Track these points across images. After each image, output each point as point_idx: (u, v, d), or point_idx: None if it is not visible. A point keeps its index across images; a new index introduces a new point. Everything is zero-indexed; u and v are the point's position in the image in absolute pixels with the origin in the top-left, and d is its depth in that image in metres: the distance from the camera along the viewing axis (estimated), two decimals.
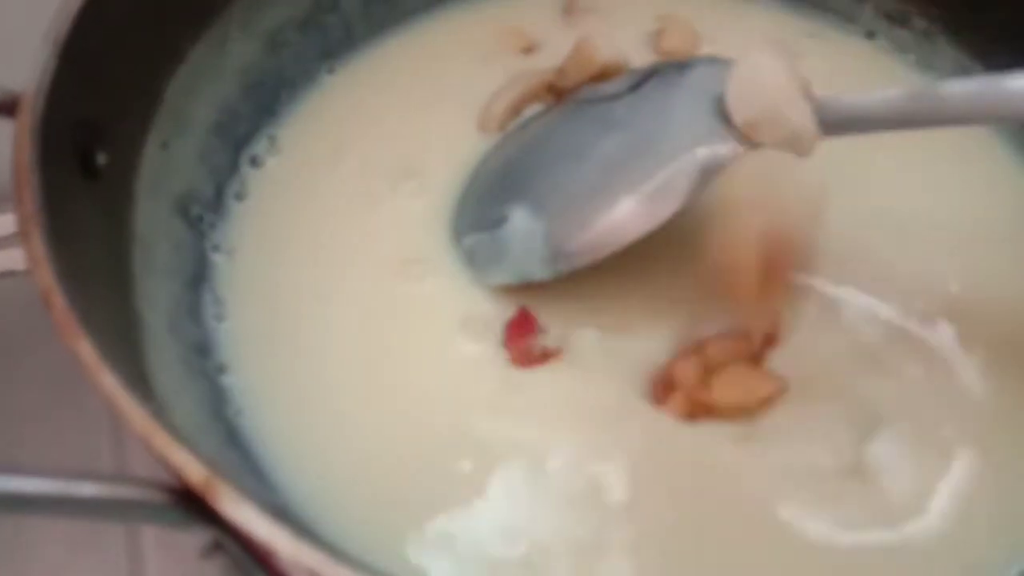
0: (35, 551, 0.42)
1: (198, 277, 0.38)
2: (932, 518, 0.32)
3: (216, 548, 0.21)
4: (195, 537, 0.40)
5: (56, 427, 0.46)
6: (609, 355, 0.35)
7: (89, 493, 0.19)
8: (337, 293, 0.38)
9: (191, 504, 0.19)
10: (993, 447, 0.34)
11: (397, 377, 0.35)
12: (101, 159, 0.31)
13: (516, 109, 0.43)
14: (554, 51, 0.44)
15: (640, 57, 0.44)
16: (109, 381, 0.21)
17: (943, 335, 0.36)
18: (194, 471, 0.19)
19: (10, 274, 0.52)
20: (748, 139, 0.33)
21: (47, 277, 0.23)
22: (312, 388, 0.35)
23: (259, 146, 0.42)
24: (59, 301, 0.22)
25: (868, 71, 0.46)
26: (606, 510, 0.32)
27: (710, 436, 0.33)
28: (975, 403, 0.35)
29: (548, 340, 0.36)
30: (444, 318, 0.37)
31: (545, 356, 0.35)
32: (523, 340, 0.36)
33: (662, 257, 0.36)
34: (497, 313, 0.37)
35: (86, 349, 0.21)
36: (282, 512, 0.28)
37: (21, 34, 0.33)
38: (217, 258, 0.39)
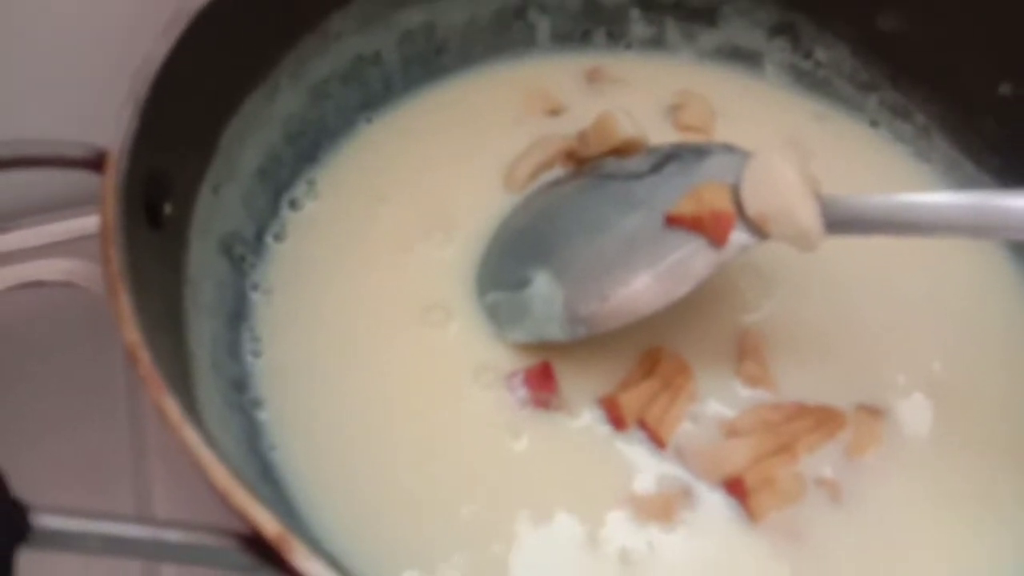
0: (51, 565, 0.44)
1: (238, 315, 0.40)
2: None
3: None
4: None
5: (76, 435, 0.48)
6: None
7: (174, 539, 0.22)
8: (362, 334, 0.40)
9: (260, 551, 0.22)
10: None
11: (413, 418, 0.38)
12: (167, 209, 0.34)
13: (539, 171, 0.46)
14: (579, 115, 0.47)
15: (658, 129, 0.47)
16: (192, 438, 0.24)
17: (924, 408, 0.39)
18: (270, 527, 0.22)
19: (37, 284, 0.54)
20: (758, 230, 0.36)
21: (133, 333, 0.25)
22: (337, 425, 0.38)
23: (299, 190, 0.45)
24: (145, 357, 0.25)
25: (869, 158, 0.49)
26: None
27: None
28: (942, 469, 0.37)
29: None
30: (460, 364, 0.39)
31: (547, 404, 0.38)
32: (538, 392, 0.38)
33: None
34: (510, 363, 0.39)
35: (171, 407, 0.24)
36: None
37: (95, 92, 0.36)
38: (256, 296, 0.41)
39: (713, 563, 0.35)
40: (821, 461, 0.37)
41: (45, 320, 0.52)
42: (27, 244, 0.56)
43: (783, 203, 0.35)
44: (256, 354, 0.40)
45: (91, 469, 0.47)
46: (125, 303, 0.26)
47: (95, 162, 0.30)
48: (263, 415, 0.38)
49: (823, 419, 0.38)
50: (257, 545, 0.22)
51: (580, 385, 0.39)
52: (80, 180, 0.32)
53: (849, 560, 0.35)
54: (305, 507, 0.35)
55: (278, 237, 0.43)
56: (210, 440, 0.24)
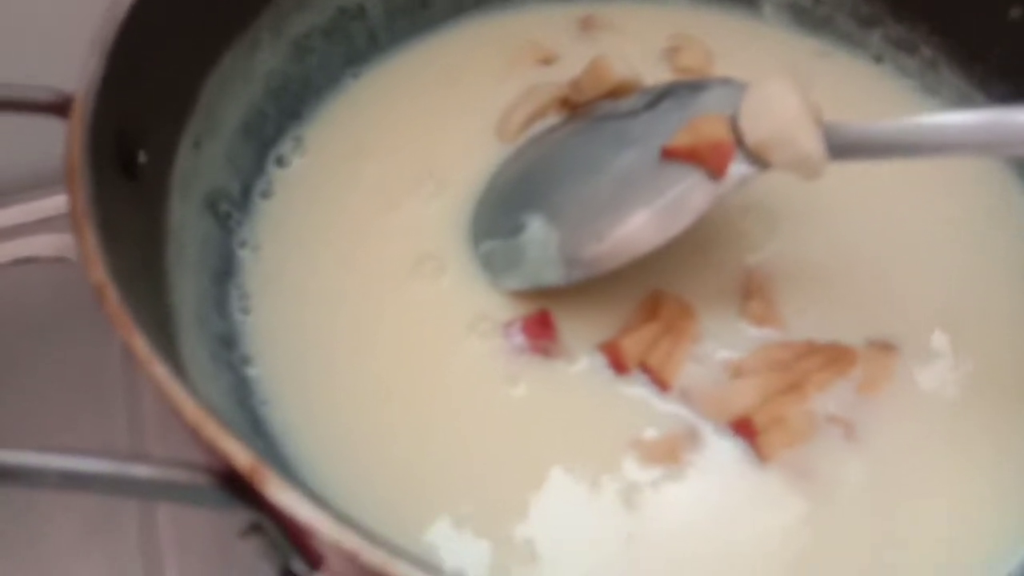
0: (49, 532, 0.43)
1: (225, 272, 0.39)
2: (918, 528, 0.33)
3: (253, 530, 0.22)
4: (209, 521, 0.41)
5: (73, 410, 0.47)
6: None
7: (142, 474, 0.21)
8: (354, 289, 0.39)
9: (235, 487, 0.21)
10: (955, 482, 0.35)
11: (407, 371, 0.37)
12: (142, 158, 0.32)
13: (532, 120, 0.44)
14: (571, 64, 0.45)
15: (655, 73, 0.45)
16: (161, 372, 0.22)
17: (937, 342, 0.38)
18: (241, 458, 0.21)
19: (31, 260, 0.53)
20: (759, 160, 0.34)
21: (100, 272, 0.24)
22: (330, 379, 0.37)
23: (285, 147, 0.44)
24: (112, 295, 0.24)
25: (874, 94, 0.47)
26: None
27: None
28: (958, 409, 0.36)
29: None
30: (455, 314, 0.38)
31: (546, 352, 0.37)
32: (537, 340, 0.37)
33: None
34: (506, 313, 0.38)
35: (139, 342, 0.23)
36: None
37: (66, 37, 0.35)
38: (243, 254, 0.40)
39: (722, 504, 0.33)
40: (833, 399, 0.36)
41: (40, 297, 0.52)
42: (20, 220, 0.55)
43: (784, 129, 0.33)
44: (245, 311, 0.38)
45: (85, 443, 0.46)
46: (91, 240, 0.25)
47: (60, 106, 0.29)
48: (253, 371, 0.37)
49: (833, 356, 0.36)
50: (231, 481, 0.21)
51: (579, 331, 0.37)
52: None
53: (861, 498, 0.34)
54: (299, 462, 0.34)
55: (265, 194, 0.42)
56: (180, 375, 0.23)
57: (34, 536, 0.43)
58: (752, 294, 0.38)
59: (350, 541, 0.19)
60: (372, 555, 0.19)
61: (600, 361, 0.36)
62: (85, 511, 0.43)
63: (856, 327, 0.37)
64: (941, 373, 0.37)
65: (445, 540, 0.32)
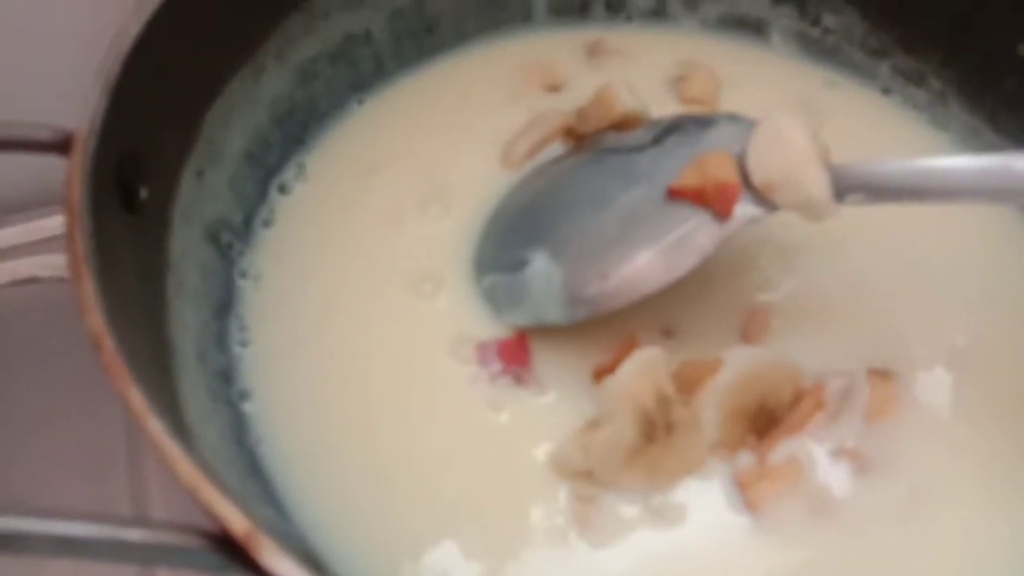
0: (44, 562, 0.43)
1: (225, 303, 0.39)
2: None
3: None
4: None
5: (71, 433, 0.47)
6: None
7: (137, 539, 0.20)
8: (351, 312, 0.39)
9: (231, 551, 0.21)
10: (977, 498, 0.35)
11: (398, 397, 0.37)
12: (143, 193, 0.32)
13: (538, 149, 0.44)
14: (578, 90, 0.45)
15: (662, 102, 0.45)
16: (156, 428, 0.22)
17: (940, 373, 0.37)
18: (237, 523, 0.20)
19: (32, 281, 0.53)
20: (765, 200, 0.34)
21: (97, 321, 0.24)
22: (321, 412, 0.36)
23: (288, 174, 0.44)
24: (109, 345, 0.23)
25: (882, 126, 0.47)
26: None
27: None
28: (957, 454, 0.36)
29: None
30: (449, 336, 0.38)
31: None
32: (510, 366, 0.37)
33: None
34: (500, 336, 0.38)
35: (135, 397, 0.22)
36: (302, 547, 0.30)
37: (69, 71, 0.35)
38: (244, 284, 0.40)
39: (723, 547, 0.33)
40: (841, 431, 0.35)
41: (40, 316, 0.52)
42: (21, 240, 0.55)
43: (790, 169, 0.33)
44: (244, 343, 0.38)
45: (86, 467, 0.46)
46: (88, 288, 0.24)
47: (62, 145, 0.28)
48: (249, 407, 0.36)
49: (798, 396, 0.36)
50: (227, 544, 0.21)
51: (556, 363, 0.37)
52: None
53: (879, 527, 0.34)
54: (292, 502, 0.34)
55: (266, 223, 0.42)
56: (179, 431, 0.22)
57: None
58: (753, 331, 0.38)
59: None
60: None
61: (569, 396, 0.36)
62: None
63: (856, 357, 0.37)
64: (946, 401, 0.37)
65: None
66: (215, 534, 0.21)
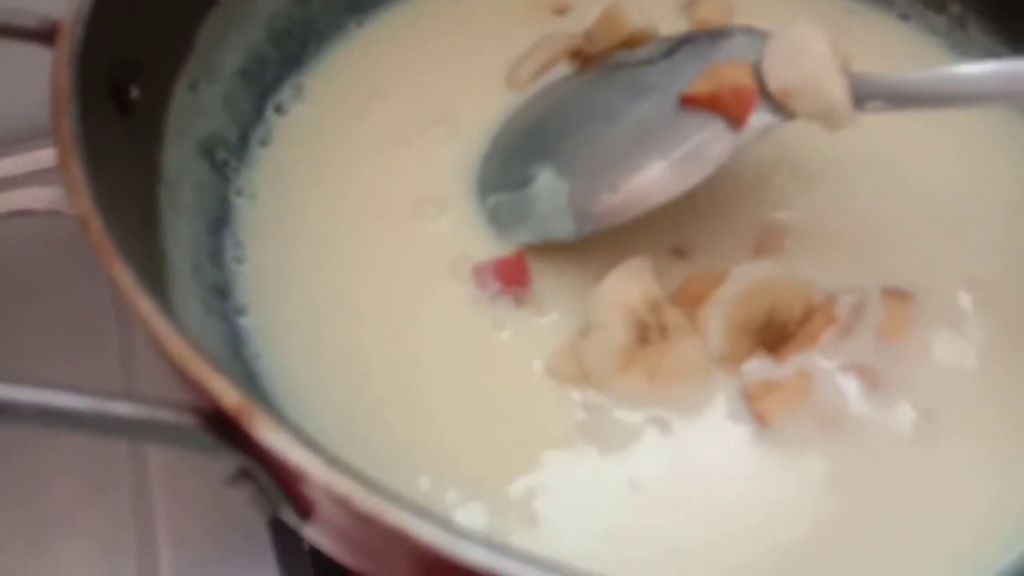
0: (46, 490, 0.42)
1: (220, 220, 0.38)
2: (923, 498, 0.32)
3: (242, 476, 0.21)
4: (202, 476, 0.41)
5: (65, 358, 0.46)
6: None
7: (124, 413, 0.19)
8: (350, 233, 0.38)
9: (222, 429, 0.20)
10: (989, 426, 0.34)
11: (399, 315, 0.36)
12: (134, 94, 0.31)
13: (544, 70, 0.43)
14: (586, 13, 0.44)
15: (672, 25, 0.43)
16: (145, 306, 0.21)
17: (962, 303, 0.36)
18: (229, 396, 0.19)
19: (26, 213, 0.52)
20: (782, 108, 0.33)
21: (85, 202, 0.23)
22: (321, 328, 0.35)
23: (285, 94, 0.42)
24: (96, 226, 0.22)
25: (901, 52, 0.45)
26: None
27: None
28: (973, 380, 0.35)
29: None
30: (451, 256, 0.37)
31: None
32: (509, 286, 0.36)
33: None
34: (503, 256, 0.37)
35: (123, 274, 0.21)
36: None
37: None
38: (240, 202, 0.39)
39: (735, 458, 0.32)
40: (853, 348, 0.34)
41: (35, 248, 0.51)
42: (14, 172, 0.54)
43: (809, 75, 0.32)
44: (239, 260, 0.37)
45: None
46: (76, 171, 0.23)
47: (47, 33, 0.27)
48: (246, 322, 0.35)
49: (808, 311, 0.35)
50: (218, 423, 0.20)
51: (559, 281, 0.36)
52: None
53: (889, 446, 0.33)
54: (291, 416, 0.33)
55: (263, 142, 0.41)
56: (167, 310, 0.21)
57: (31, 494, 0.42)
58: (765, 249, 0.37)
59: (342, 485, 0.18)
60: (366, 500, 0.18)
61: (570, 312, 0.35)
62: (81, 471, 0.42)
63: (872, 276, 0.36)
64: (964, 326, 0.36)
65: (437, 492, 0.31)
66: (207, 412, 0.20)
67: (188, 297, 0.33)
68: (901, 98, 0.32)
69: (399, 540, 0.17)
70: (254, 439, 0.19)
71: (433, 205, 0.39)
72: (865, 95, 0.32)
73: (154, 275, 0.30)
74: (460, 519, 0.31)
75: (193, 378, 0.20)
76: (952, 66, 0.32)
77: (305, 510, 0.22)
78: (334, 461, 0.19)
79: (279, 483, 0.21)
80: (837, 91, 0.32)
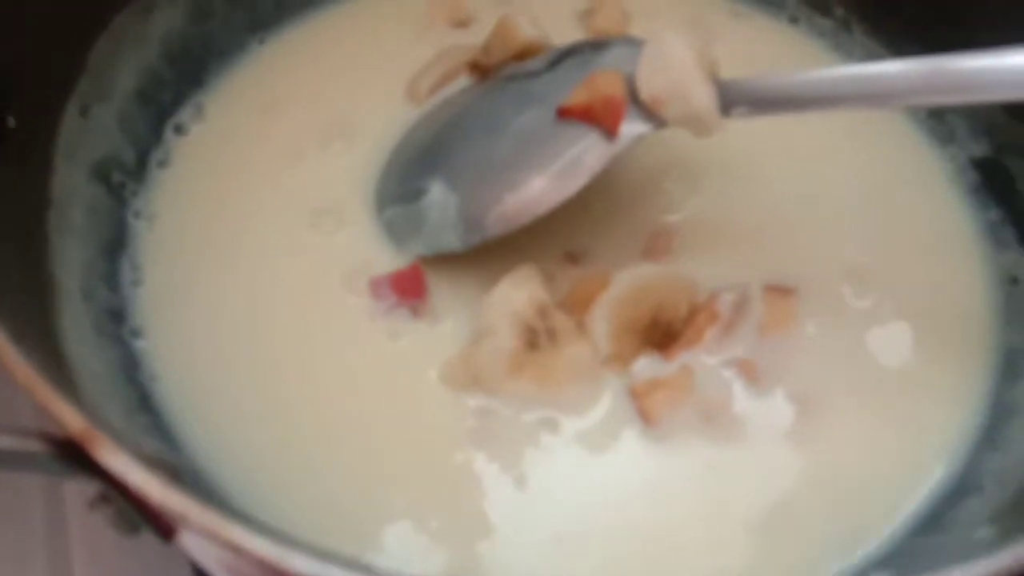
0: None
1: (117, 243, 0.38)
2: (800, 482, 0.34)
3: (102, 500, 0.21)
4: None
5: None
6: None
7: None
8: (250, 251, 0.38)
9: (74, 455, 0.20)
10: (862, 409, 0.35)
11: (298, 332, 0.36)
12: (10, 123, 0.31)
13: (443, 83, 0.44)
14: (486, 26, 0.44)
15: (571, 35, 0.44)
16: None
17: (842, 293, 0.38)
18: (73, 421, 0.20)
19: None
20: (653, 116, 0.34)
21: None
22: (221, 347, 0.36)
23: (184, 114, 0.42)
24: None
25: (789, 55, 0.47)
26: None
27: None
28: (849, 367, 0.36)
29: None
30: (349, 270, 0.37)
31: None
32: (404, 297, 0.36)
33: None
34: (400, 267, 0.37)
35: None
36: (185, 471, 0.29)
37: None
38: (137, 224, 0.39)
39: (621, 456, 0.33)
40: (736, 343, 0.36)
41: None
42: None
43: (676, 84, 0.33)
44: (136, 283, 0.37)
45: None
46: None
47: None
48: (142, 345, 0.36)
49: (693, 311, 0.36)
50: (69, 449, 0.20)
51: (455, 291, 0.37)
52: None
53: (770, 437, 0.34)
54: (188, 436, 0.34)
55: (162, 163, 0.41)
56: (16, 338, 0.22)
57: None
58: (654, 249, 0.38)
59: (177, 502, 0.19)
60: (200, 516, 0.18)
61: (466, 324, 0.36)
62: None
63: (754, 272, 0.37)
64: (842, 316, 0.37)
65: (336, 504, 0.32)
66: (57, 439, 0.21)
67: (78, 320, 0.33)
68: (764, 103, 0.33)
69: (240, 554, 0.18)
70: (99, 462, 0.20)
71: (331, 218, 0.39)
72: (731, 101, 0.33)
73: (37, 300, 0.30)
74: (352, 528, 0.31)
75: (40, 402, 0.20)
76: (810, 70, 0.33)
77: (166, 532, 0.22)
78: (178, 482, 0.19)
79: (134, 505, 0.22)
80: (703, 98, 0.33)
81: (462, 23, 0.46)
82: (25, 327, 0.24)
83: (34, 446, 0.20)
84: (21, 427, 0.21)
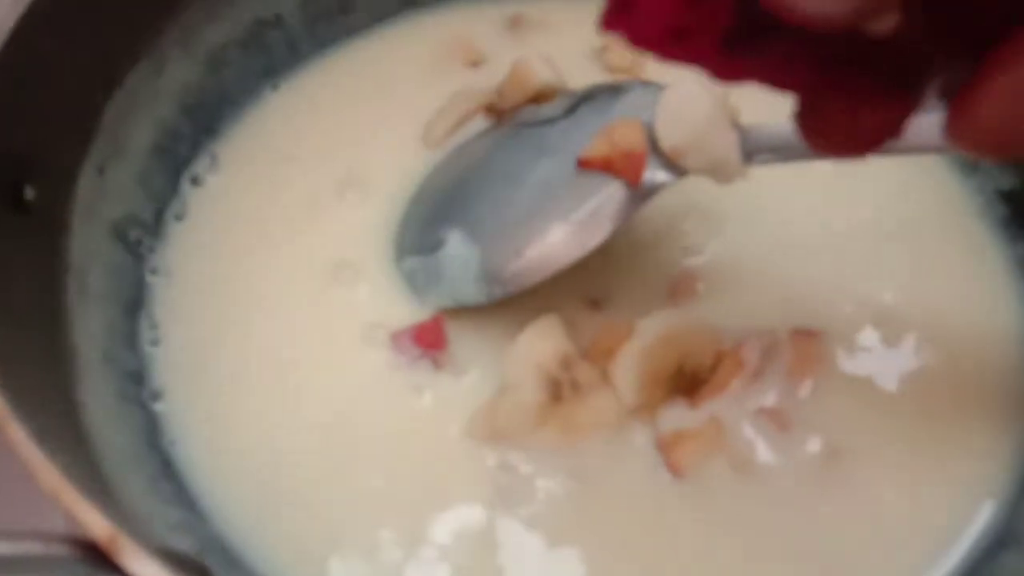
0: None
1: (135, 302, 0.38)
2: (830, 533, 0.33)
3: None
4: None
5: None
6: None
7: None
8: (268, 305, 0.38)
9: (98, 558, 0.20)
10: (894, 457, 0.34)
11: (319, 388, 0.36)
12: (29, 194, 0.31)
13: (458, 127, 0.43)
14: (499, 66, 0.44)
15: (585, 74, 0.44)
16: (18, 434, 0.21)
17: (868, 336, 0.37)
18: (99, 527, 0.20)
19: None
20: (674, 165, 0.33)
21: None
22: (241, 406, 0.35)
23: (200, 165, 0.42)
24: None
25: None
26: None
27: None
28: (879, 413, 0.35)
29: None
30: (369, 322, 0.37)
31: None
32: (427, 350, 0.36)
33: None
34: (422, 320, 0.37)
35: None
36: (210, 541, 0.29)
37: None
38: (155, 281, 0.39)
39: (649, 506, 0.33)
40: (765, 391, 0.35)
41: None
42: None
43: (698, 133, 0.32)
44: (155, 342, 0.37)
45: None
46: None
47: None
48: (162, 407, 0.35)
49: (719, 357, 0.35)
50: (95, 552, 0.20)
51: (477, 342, 0.36)
52: None
53: (799, 486, 0.33)
54: (209, 503, 0.33)
55: (179, 216, 0.41)
56: (41, 439, 0.22)
57: None
58: (678, 294, 0.37)
59: None
60: None
61: (490, 374, 0.35)
62: None
63: (780, 317, 0.37)
64: (870, 359, 0.36)
65: (362, 562, 0.31)
66: (83, 542, 0.20)
67: (100, 388, 0.33)
68: (788, 150, 0.33)
69: None
70: (124, 568, 0.19)
71: (350, 271, 0.39)
72: (754, 149, 0.33)
73: (57, 374, 0.30)
74: None
75: (65, 508, 0.20)
76: None
77: None
78: None
79: None
80: (725, 148, 0.32)
81: (476, 63, 0.46)
82: (46, 412, 0.24)
83: (61, 551, 0.20)
84: (47, 532, 0.20)
